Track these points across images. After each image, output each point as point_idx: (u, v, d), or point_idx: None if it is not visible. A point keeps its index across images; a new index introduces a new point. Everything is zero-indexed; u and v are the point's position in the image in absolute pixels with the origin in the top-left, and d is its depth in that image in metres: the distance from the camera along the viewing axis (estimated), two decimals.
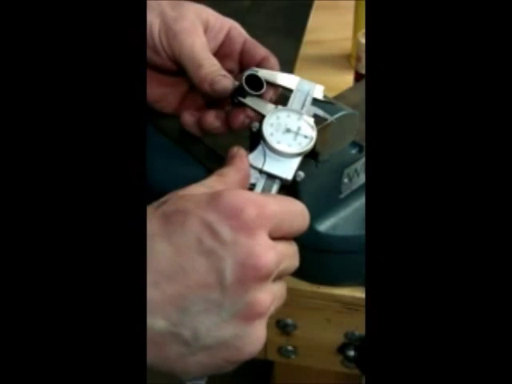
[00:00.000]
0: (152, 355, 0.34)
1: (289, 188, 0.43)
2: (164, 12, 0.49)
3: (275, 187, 0.42)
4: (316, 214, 0.52)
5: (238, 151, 0.41)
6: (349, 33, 0.93)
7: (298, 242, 0.40)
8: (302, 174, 0.42)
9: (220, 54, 0.50)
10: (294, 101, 0.44)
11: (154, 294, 0.33)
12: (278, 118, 0.43)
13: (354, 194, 0.55)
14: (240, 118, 0.47)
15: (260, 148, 0.42)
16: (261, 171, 0.42)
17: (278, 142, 0.42)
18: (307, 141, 0.42)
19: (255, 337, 0.35)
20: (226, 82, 0.46)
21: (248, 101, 0.45)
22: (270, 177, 0.42)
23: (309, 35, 1.01)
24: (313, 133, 0.42)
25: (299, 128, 0.42)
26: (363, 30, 0.84)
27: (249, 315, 0.35)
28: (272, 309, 0.36)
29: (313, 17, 1.06)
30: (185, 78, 0.50)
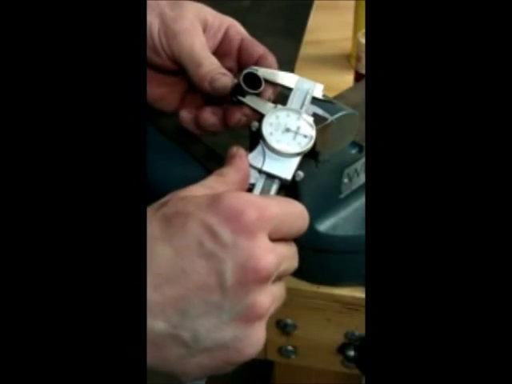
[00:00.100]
0: (152, 356, 0.34)
1: (288, 188, 0.43)
2: (163, 12, 0.49)
3: (275, 187, 0.42)
4: (316, 214, 0.52)
5: (238, 151, 0.41)
6: (349, 33, 0.93)
7: (298, 242, 0.40)
8: (301, 173, 0.42)
9: (219, 52, 0.50)
10: (294, 100, 0.44)
11: (154, 296, 0.33)
12: (277, 117, 0.42)
13: (353, 194, 0.55)
14: (236, 116, 0.47)
15: (259, 148, 0.42)
16: (260, 171, 0.41)
17: (278, 142, 0.42)
18: (307, 140, 0.42)
19: (255, 338, 0.35)
20: (226, 79, 0.46)
21: (247, 100, 0.45)
22: (270, 177, 0.42)
23: (309, 35, 1.01)
24: (312, 132, 0.42)
25: (299, 127, 0.42)
26: (363, 30, 0.83)
27: (249, 317, 0.35)
28: (272, 310, 0.36)
29: (313, 17, 1.06)
30: (184, 78, 0.50)
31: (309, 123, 0.42)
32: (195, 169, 0.58)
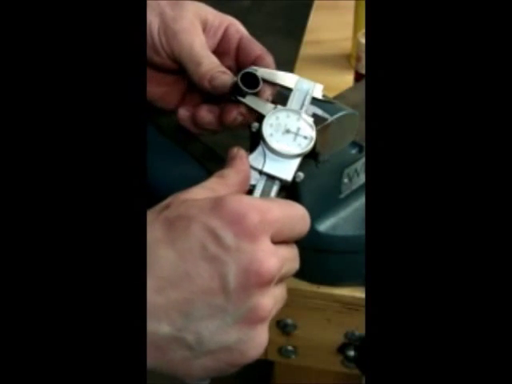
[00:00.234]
0: (156, 359, 0.34)
1: (289, 189, 0.43)
2: (163, 12, 0.49)
3: (275, 188, 0.42)
4: (316, 214, 0.52)
5: (238, 152, 0.41)
6: (349, 33, 0.93)
7: (298, 242, 0.40)
8: (301, 174, 0.42)
9: (218, 51, 0.50)
10: (293, 100, 0.44)
11: (158, 299, 0.34)
12: (277, 118, 0.42)
13: (353, 194, 0.55)
14: (232, 114, 0.47)
15: (260, 148, 0.42)
16: (261, 172, 0.41)
17: (278, 143, 0.42)
18: (307, 142, 0.42)
19: (258, 340, 0.36)
20: (225, 77, 0.46)
21: (247, 100, 0.45)
22: (270, 178, 0.42)
23: (309, 35, 1.01)
24: (312, 133, 0.42)
25: (299, 129, 0.42)
26: (363, 30, 0.83)
27: (252, 320, 0.35)
28: (274, 312, 0.37)
29: (313, 17, 1.06)
30: (184, 77, 0.50)
31: (309, 124, 0.42)
32: (195, 169, 0.58)
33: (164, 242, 0.35)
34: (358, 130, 0.48)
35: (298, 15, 1.07)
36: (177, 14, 0.49)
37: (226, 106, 0.47)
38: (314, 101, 0.44)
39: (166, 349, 0.34)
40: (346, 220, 0.55)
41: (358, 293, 0.58)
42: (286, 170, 0.42)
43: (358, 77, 0.85)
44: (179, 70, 0.50)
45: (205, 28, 0.50)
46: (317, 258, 0.56)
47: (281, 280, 0.37)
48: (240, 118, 0.47)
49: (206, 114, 0.49)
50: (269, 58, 0.48)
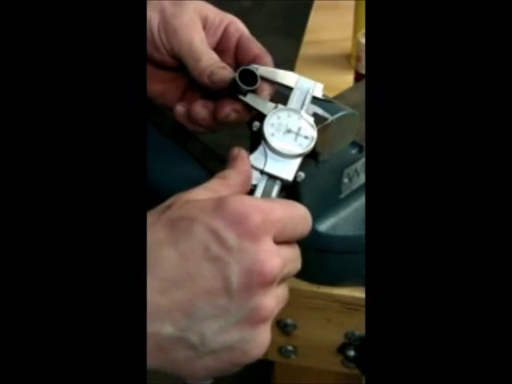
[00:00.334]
0: (159, 359, 0.35)
1: (289, 188, 0.43)
2: (164, 8, 0.49)
3: (276, 188, 0.42)
4: (316, 214, 0.52)
5: (239, 152, 0.41)
6: (349, 33, 0.93)
7: (298, 242, 0.40)
8: (302, 174, 0.42)
9: (218, 49, 0.50)
10: (294, 99, 0.44)
11: (161, 300, 0.34)
12: (278, 117, 0.42)
13: (353, 194, 0.55)
14: (226, 110, 0.47)
15: (261, 148, 0.42)
16: (262, 172, 0.42)
17: (279, 143, 0.42)
18: (308, 142, 0.42)
19: (260, 340, 0.36)
20: (225, 72, 0.46)
21: (248, 99, 0.45)
22: (271, 177, 0.42)
23: (309, 35, 1.01)
24: (313, 133, 0.42)
25: (300, 128, 0.42)
26: (363, 30, 0.83)
27: (254, 320, 0.35)
28: (276, 312, 0.37)
29: (313, 17, 1.06)
30: (185, 74, 0.50)
31: (310, 124, 0.42)
32: (195, 169, 0.58)
33: (167, 242, 0.35)
34: (358, 129, 0.48)
35: (298, 15, 1.07)
36: (177, 11, 0.49)
37: (220, 102, 0.47)
38: (315, 100, 0.44)
39: (169, 349, 0.34)
40: (346, 220, 0.55)
41: (358, 293, 0.58)
42: (287, 170, 0.42)
43: (357, 77, 0.85)
44: (179, 66, 0.50)
45: (205, 25, 0.50)
46: (317, 257, 0.56)
47: (283, 280, 0.37)
48: (234, 115, 0.47)
49: (201, 110, 0.49)
50: (267, 58, 0.48)
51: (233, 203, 0.35)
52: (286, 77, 0.45)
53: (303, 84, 0.44)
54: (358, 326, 0.61)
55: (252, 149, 0.42)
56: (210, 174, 0.41)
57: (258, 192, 0.41)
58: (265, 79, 0.45)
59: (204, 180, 0.40)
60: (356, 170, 0.53)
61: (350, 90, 0.64)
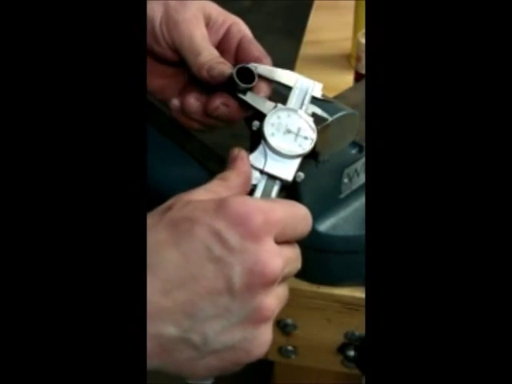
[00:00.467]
0: (162, 360, 0.35)
1: (289, 189, 0.43)
2: (168, 4, 0.49)
3: (276, 188, 0.42)
4: (316, 214, 0.52)
5: (239, 153, 0.41)
6: (349, 33, 0.93)
7: (299, 242, 0.40)
8: (301, 174, 0.42)
9: (219, 49, 0.50)
10: (293, 99, 0.44)
11: (163, 301, 0.34)
12: (278, 117, 0.42)
13: (353, 194, 0.55)
14: (215, 102, 0.47)
15: (261, 148, 0.42)
16: (262, 172, 0.42)
17: (279, 143, 0.42)
18: (308, 142, 0.42)
19: (262, 339, 0.36)
20: (224, 67, 0.46)
21: (247, 98, 0.45)
22: (271, 177, 0.42)
23: (309, 35, 1.01)
24: (313, 133, 0.42)
25: (299, 129, 0.42)
26: (363, 30, 0.83)
27: (256, 319, 0.35)
28: (277, 311, 0.37)
29: (313, 17, 1.06)
30: (185, 70, 0.50)
31: (309, 124, 0.42)
32: (195, 169, 0.58)
33: (169, 243, 0.35)
34: (358, 129, 0.48)
35: (298, 15, 1.07)
36: (181, 7, 0.49)
37: (212, 95, 0.47)
38: (314, 100, 0.44)
39: (171, 349, 0.35)
40: (346, 220, 0.55)
41: (358, 293, 0.58)
42: (287, 170, 0.42)
43: (357, 77, 0.85)
44: (179, 62, 0.50)
45: (208, 23, 0.50)
46: (317, 257, 0.56)
47: (283, 279, 0.37)
48: (223, 108, 0.47)
49: (194, 102, 0.49)
50: (266, 61, 0.48)
51: (234, 204, 0.35)
52: (285, 76, 0.45)
53: (302, 83, 0.44)
54: (358, 326, 0.61)
55: (252, 148, 0.42)
56: (209, 173, 0.41)
57: (258, 192, 0.41)
58: (263, 78, 0.45)
59: (204, 180, 0.40)
60: (356, 170, 0.53)
61: (350, 90, 0.64)
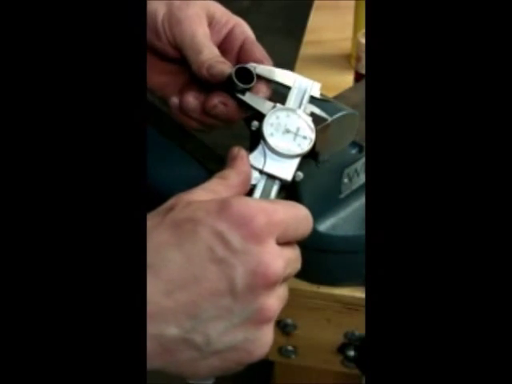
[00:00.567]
0: (164, 360, 0.35)
1: (288, 188, 0.43)
2: (172, 3, 0.49)
3: (275, 188, 0.42)
4: (316, 214, 0.52)
5: (239, 152, 0.41)
6: (349, 33, 0.92)
7: (298, 242, 0.40)
8: (301, 174, 0.42)
9: (221, 49, 0.51)
10: (292, 98, 0.44)
11: (166, 302, 0.34)
12: (277, 117, 0.43)
13: (353, 193, 0.55)
14: (214, 101, 0.47)
15: (260, 148, 0.42)
16: (261, 171, 0.42)
17: (279, 143, 0.42)
18: (306, 142, 0.42)
19: (264, 340, 0.36)
20: (224, 66, 0.46)
21: (246, 98, 0.45)
22: (271, 177, 0.42)
23: (309, 35, 1.01)
24: (312, 133, 0.42)
25: (298, 129, 0.42)
26: (363, 30, 0.83)
27: (258, 320, 0.35)
28: (278, 312, 0.37)
29: (313, 17, 1.06)
30: (186, 69, 0.50)
31: (308, 124, 0.42)
32: (195, 169, 0.58)
33: (171, 244, 0.35)
34: (358, 129, 0.48)
35: (298, 15, 1.07)
36: (184, 5, 0.49)
37: (211, 94, 0.47)
38: (313, 100, 0.44)
39: (173, 350, 0.35)
40: (346, 220, 0.55)
41: (358, 293, 0.58)
42: (286, 170, 0.42)
43: (357, 77, 0.85)
44: (180, 59, 0.50)
45: (211, 23, 0.50)
46: (317, 257, 0.56)
47: (284, 280, 0.38)
48: (221, 107, 0.47)
49: (192, 100, 0.49)
50: (268, 63, 0.48)
51: (237, 205, 0.35)
52: (283, 76, 0.45)
53: (301, 83, 0.44)
54: (358, 325, 0.61)
55: (251, 148, 0.42)
56: (209, 173, 0.41)
57: (257, 192, 0.41)
58: (263, 79, 0.45)
59: (204, 180, 0.40)
60: (356, 170, 0.53)
61: (350, 89, 0.64)
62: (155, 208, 0.38)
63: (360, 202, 0.56)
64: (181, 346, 0.35)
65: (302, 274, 0.55)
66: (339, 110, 0.45)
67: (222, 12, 0.51)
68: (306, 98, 0.44)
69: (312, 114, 0.43)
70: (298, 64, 0.93)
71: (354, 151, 0.52)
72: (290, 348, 0.65)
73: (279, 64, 0.48)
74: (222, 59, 0.47)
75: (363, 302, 0.58)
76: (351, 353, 0.62)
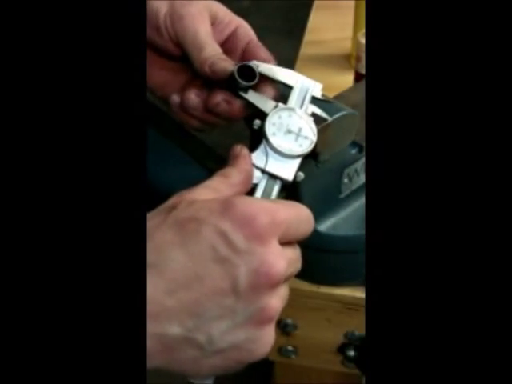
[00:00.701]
0: (166, 359, 0.35)
1: (289, 188, 0.43)
2: (174, 2, 0.49)
3: (276, 188, 0.42)
4: (316, 214, 0.52)
5: (242, 151, 0.41)
6: (349, 33, 0.93)
7: (299, 242, 0.40)
8: (302, 174, 0.42)
9: (224, 48, 0.50)
10: (294, 98, 0.44)
11: (168, 301, 0.34)
12: (279, 117, 0.43)
13: (353, 193, 0.55)
14: (217, 98, 0.47)
15: (262, 147, 0.42)
16: (263, 171, 0.42)
17: (281, 143, 0.42)
18: (308, 142, 0.42)
19: (266, 339, 0.36)
20: (226, 64, 0.46)
21: (249, 96, 0.45)
22: (272, 177, 0.42)
23: (309, 35, 1.01)
24: (313, 134, 0.42)
25: (300, 129, 0.42)
26: (363, 30, 0.83)
27: (261, 320, 0.36)
28: (279, 312, 0.37)
29: (313, 17, 1.06)
30: (187, 67, 0.50)
31: (310, 124, 0.43)
32: (195, 169, 0.58)
33: (174, 243, 0.35)
34: (358, 129, 0.48)
35: (298, 15, 1.07)
36: (187, 3, 0.49)
37: (213, 91, 0.47)
38: (314, 100, 0.44)
39: (176, 349, 0.35)
40: (346, 220, 0.55)
41: (358, 293, 0.58)
42: (288, 170, 0.42)
43: (357, 77, 0.85)
44: (182, 57, 0.50)
45: (213, 22, 0.50)
46: (317, 257, 0.56)
47: (286, 280, 0.38)
48: (224, 105, 0.47)
49: (194, 98, 0.49)
50: (273, 64, 0.48)
51: (240, 205, 0.35)
52: (286, 75, 0.45)
53: (303, 83, 0.44)
54: (358, 325, 0.61)
55: (252, 146, 0.42)
56: (210, 173, 0.41)
57: (259, 191, 0.41)
58: (268, 79, 0.45)
59: (204, 180, 0.40)
60: (356, 170, 0.53)
61: (350, 90, 0.64)
62: (155, 208, 0.38)
63: (360, 202, 0.56)
64: (183, 345, 0.35)
65: (302, 274, 0.55)
66: (339, 110, 0.45)
67: (224, 12, 0.51)
68: (308, 98, 0.44)
69: (313, 115, 0.43)
70: (298, 64, 0.93)
71: (354, 151, 0.52)
72: (290, 348, 0.65)
73: (279, 64, 0.48)
74: (224, 57, 0.47)
75: (363, 302, 0.58)
76: (351, 353, 0.63)
